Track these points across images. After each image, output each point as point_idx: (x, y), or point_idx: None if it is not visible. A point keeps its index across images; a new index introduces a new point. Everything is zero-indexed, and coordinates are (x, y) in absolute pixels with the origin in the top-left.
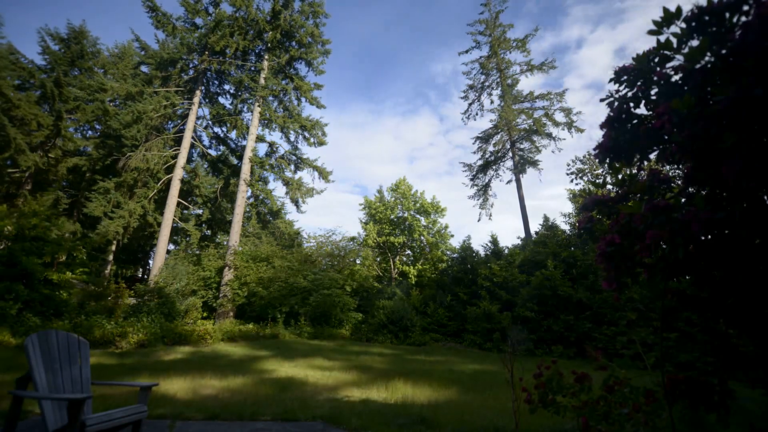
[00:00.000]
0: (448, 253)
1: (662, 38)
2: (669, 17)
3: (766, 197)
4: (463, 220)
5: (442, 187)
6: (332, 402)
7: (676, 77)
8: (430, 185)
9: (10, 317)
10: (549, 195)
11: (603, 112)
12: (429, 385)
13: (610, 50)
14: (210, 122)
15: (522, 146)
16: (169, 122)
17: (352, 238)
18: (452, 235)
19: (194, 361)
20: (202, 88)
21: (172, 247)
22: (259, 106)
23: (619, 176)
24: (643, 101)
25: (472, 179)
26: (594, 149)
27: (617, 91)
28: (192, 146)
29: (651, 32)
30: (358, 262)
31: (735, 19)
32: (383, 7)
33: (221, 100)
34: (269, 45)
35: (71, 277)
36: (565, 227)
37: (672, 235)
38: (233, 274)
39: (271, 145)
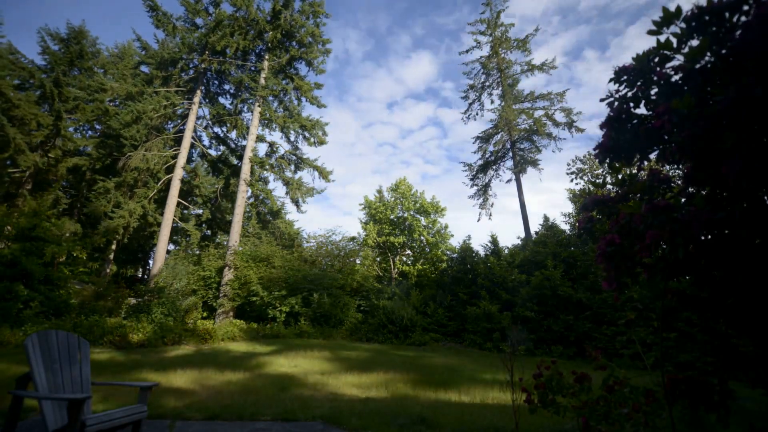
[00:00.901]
0: (448, 253)
1: (662, 38)
2: (669, 17)
3: (766, 197)
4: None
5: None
6: (332, 401)
7: (676, 77)
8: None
9: (10, 317)
10: (549, 194)
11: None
12: (429, 384)
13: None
14: (210, 122)
15: (522, 146)
16: (169, 122)
17: (352, 238)
18: (452, 235)
19: (194, 360)
20: (203, 88)
21: (172, 247)
22: (259, 106)
23: (619, 176)
24: (643, 101)
25: (472, 179)
26: (594, 149)
27: (617, 91)
28: (192, 146)
29: (651, 32)
30: (358, 262)
31: (735, 19)
32: None
33: (221, 100)
34: (269, 45)
35: (71, 277)
36: (565, 227)
37: (672, 235)
38: (233, 274)
39: (271, 145)
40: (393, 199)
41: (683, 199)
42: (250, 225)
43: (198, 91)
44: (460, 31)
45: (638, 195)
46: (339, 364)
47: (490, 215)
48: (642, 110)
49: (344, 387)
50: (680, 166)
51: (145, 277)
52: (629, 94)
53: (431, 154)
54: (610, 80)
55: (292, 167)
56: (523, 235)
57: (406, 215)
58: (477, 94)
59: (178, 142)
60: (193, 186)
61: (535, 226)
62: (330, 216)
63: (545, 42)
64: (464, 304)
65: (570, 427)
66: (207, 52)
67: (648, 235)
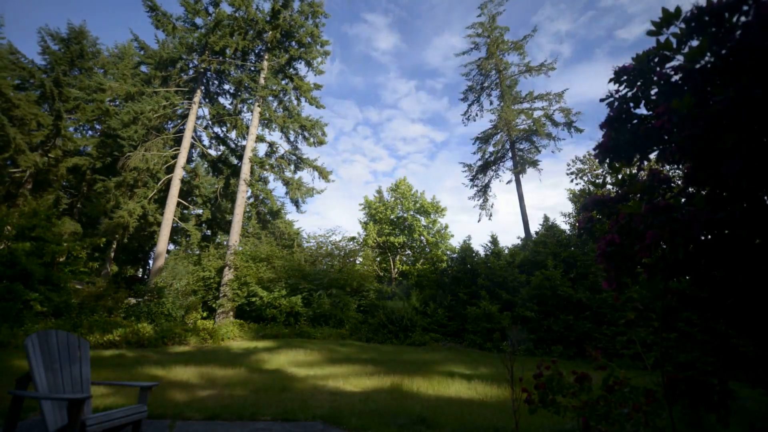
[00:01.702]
0: (448, 253)
1: (662, 38)
2: (669, 18)
3: (766, 197)
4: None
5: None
6: (332, 402)
7: (676, 77)
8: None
9: (10, 317)
10: (549, 194)
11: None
12: (428, 383)
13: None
14: (210, 122)
15: (521, 146)
16: (169, 122)
17: (352, 238)
18: (452, 235)
19: (194, 360)
20: (202, 88)
21: (172, 247)
22: (259, 106)
23: (619, 176)
24: (643, 101)
25: (471, 179)
26: (594, 149)
27: (617, 91)
28: (192, 146)
29: (650, 33)
30: (358, 262)
31: (735, 19)
32: None
33: (221, 100)
34: (269, 45)
35: (71, 277)
36: (565, 227)
37: (672, 235)
38: (233, 274)
39: (271, 145)
40: (393, 199)
41: (683, 199)
42: (250, 225)
43: (198, 91)
44: (354, 16)
45: (638, 195)
46: (339, 363)
47: (490, 215)
48: (642, 110)
49: (344, 386)
50: (680, 166)
51: (145, 277)
52: (629, 94)
53: (373, 152)
54: (610, 80)
55: (292, 167)
56: (523, 235)
57: (406, 215)
58: (476, 96)
59: (178, 142)
60: (193, 186)
61: (535, 226)
62: (302, 216)
63: None
64: (464, 304)
65: (570, 427)
66: (207, 52)
67: (648, 235)
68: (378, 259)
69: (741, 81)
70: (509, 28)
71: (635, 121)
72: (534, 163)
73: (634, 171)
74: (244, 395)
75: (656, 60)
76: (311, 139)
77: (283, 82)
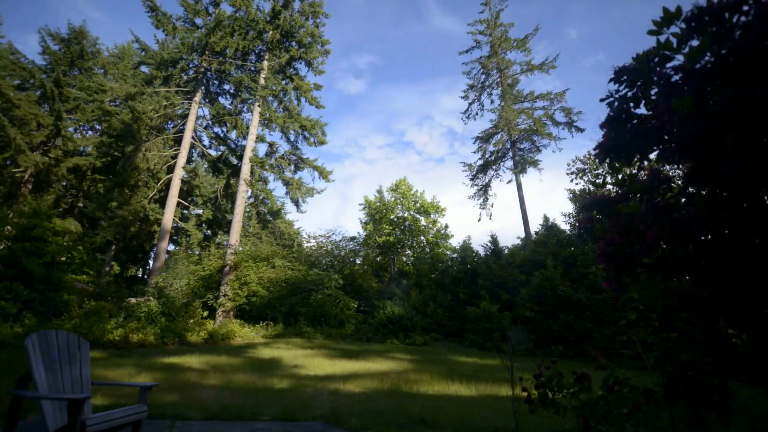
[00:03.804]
0: (448, 253)
1: (662, 38)
2: (669, 17)
3: (766, 197)
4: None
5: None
6: (332, 402)
7: (676, 77)
8: None
9: (10, 317)
10: (549, 194)
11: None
12: (428, 384)
13: None
14: (210, 122)
15: (522, 146)
16: (169, 122)
17: (353, 238)
18: (452, 235)
19: (194, 360)
20: (203, 88)
21: (172, 247)
22: (259, 106)
23: (619, 176)
24: (643, 101)
25: (472, 179)
26: (594, 149)
27: (617, 91)
28: (192, 146)
29: (651, 32)
30: (358, 261)
31: (735, 19)
32: None
33: (221, 100)
34: (269, 45)
35: (71, 277)
36: (565, 227)
37: (672, 235)
38: (233, 274)
39: (271, 145)
40: (393, 199)
41: (683, 199)
42: (251, 225)
43: (198, 92)
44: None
45: (638, 195)
46: (340, 365)
47: (491, 215)
48: (642, 110)
49: (344, 385)
50: (680, 166)
51: (145, 277)
52: (629, 94)
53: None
54: (610, 80)
55: (292, 167)
56: (523, 234)
57: (406, 215)
58: (477, 94)
59: (178, 142)
60: (194, 186)
61: (535, 226)
62: (302, 216)
63: None
64: (464, 304)
65: (570, 427)
66: (207, 53)
67: (648, 235)
68: (378, 258)
69: (741, 81)
70: (514, 23)
71: (635, 121)
72: (534, 163)
73: (634, 171)
74: (244, 394)
75: (656, 60)
76: (311, 139)
77: (284, 83)
